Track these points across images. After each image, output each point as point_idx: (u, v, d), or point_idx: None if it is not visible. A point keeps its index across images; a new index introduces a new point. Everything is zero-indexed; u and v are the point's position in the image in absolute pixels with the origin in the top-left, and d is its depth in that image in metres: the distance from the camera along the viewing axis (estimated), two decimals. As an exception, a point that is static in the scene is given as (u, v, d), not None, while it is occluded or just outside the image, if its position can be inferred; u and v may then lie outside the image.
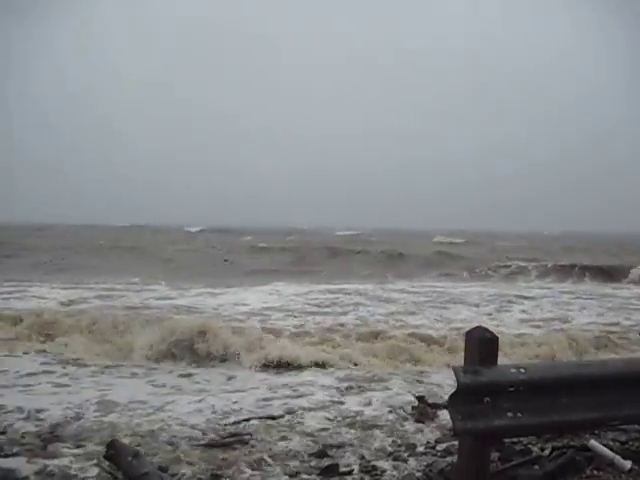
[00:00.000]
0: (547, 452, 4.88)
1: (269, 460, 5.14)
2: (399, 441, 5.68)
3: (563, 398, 3.67)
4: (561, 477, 4.36)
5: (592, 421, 3.84)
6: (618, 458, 4.48)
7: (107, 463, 4.75)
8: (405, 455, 5.25)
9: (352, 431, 5.99)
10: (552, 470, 4.42)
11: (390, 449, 5.45)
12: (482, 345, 3.63)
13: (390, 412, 6.66)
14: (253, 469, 4.94)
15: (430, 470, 4.79)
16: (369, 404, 7.00)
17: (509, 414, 3.57)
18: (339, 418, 6.43)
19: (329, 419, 6.42)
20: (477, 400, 3.56)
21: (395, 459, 5.15)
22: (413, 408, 6.68)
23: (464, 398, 3.56)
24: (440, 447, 5.39)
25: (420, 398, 6.99)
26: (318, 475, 4.86)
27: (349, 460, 5.17)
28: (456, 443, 4.35)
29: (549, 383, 3.70)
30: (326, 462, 5.08)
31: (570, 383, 3.74)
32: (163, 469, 4.70)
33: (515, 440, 5.12)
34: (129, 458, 4.49)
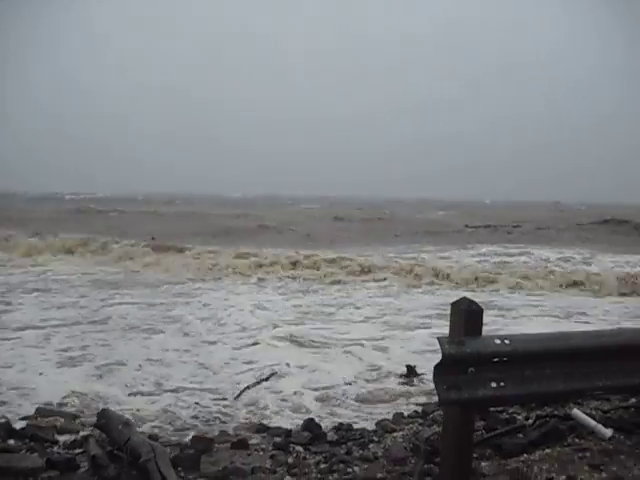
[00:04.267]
0: (531, 421, 4.97)
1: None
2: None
3: (547, 369, 3.68)
4: (544, 445, 4.43)
5: (573, 391, 3.91)
6: (599, 427, 4.57)
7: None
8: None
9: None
10: (535, 438, 4.50)
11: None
12: (467, 316, 3.59)
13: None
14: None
15: (417, 439, 4.82)
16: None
17: (493, 384, 3.55)
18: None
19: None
20: (461, 370, 3.53)
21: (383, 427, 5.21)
22: (401, 376, 6.87)
23: (448, 369, 3.52)
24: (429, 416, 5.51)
25: (410, 367, 7.24)
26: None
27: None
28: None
29: (533, 354, 3.68)
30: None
31: (554, 354, 3.74)
32: (154, 437, 4.60)
33: (501, 409, 5.21)
34: (119, 426, 4.40)
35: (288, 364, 8.10)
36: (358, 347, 9.12)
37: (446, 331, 3.73)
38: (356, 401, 6.81)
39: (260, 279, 17.09)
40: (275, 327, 10.60)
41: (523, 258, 21.50)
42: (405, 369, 7.55)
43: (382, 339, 9.76)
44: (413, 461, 4.43)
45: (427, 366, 7.01)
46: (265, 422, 6.00)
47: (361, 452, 4.75)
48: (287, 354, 8.82)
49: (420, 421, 5.45)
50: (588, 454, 4.27)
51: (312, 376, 7.72)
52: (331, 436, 5.28)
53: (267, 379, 7.41)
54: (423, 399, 6.66)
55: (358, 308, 12.85)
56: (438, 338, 3.56)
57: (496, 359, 3.63)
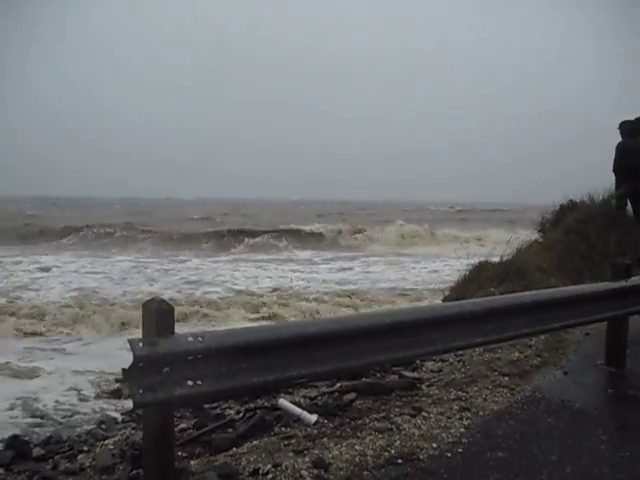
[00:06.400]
0: (241, 414, 5.06)
1: None
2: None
3: (243, 363, 3.75)
4: (252, 437, 4.53)
5: (269, 383, 4.01)
6: (305, 414, 4.77)
7: None
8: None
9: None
10: (244, 431, 4.60)
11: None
12: (158, 316, 3.53)
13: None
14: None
15: (127, 444, 4.65)
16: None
17: (189, 383, 3.51)
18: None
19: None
20: (156, 371, 3.45)
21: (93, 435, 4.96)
22: (117, 381, 6.55)
23: (142, 370, 3.41)
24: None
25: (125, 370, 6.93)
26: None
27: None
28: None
29: (227, 350, 3.72)
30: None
31: (249, 348, 3.81)
32: None
33: (215, 405, 5.19)
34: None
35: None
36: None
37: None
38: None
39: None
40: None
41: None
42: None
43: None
44: (121, 468, 4.29)
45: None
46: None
47: (68, 464, 4.49)
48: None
49: (133, 425, 5.31)
50: (294, 440, 4.44)
51: None
52: (37, 451, 4.92)
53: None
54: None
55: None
56: (129, 340, 3.45)
57: (191, 357, 3.61)
